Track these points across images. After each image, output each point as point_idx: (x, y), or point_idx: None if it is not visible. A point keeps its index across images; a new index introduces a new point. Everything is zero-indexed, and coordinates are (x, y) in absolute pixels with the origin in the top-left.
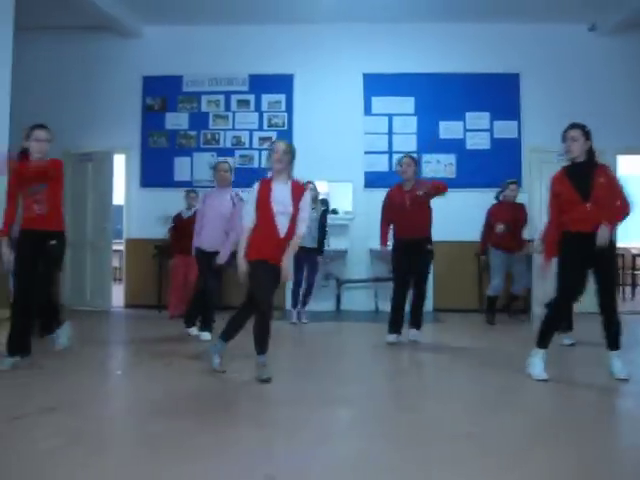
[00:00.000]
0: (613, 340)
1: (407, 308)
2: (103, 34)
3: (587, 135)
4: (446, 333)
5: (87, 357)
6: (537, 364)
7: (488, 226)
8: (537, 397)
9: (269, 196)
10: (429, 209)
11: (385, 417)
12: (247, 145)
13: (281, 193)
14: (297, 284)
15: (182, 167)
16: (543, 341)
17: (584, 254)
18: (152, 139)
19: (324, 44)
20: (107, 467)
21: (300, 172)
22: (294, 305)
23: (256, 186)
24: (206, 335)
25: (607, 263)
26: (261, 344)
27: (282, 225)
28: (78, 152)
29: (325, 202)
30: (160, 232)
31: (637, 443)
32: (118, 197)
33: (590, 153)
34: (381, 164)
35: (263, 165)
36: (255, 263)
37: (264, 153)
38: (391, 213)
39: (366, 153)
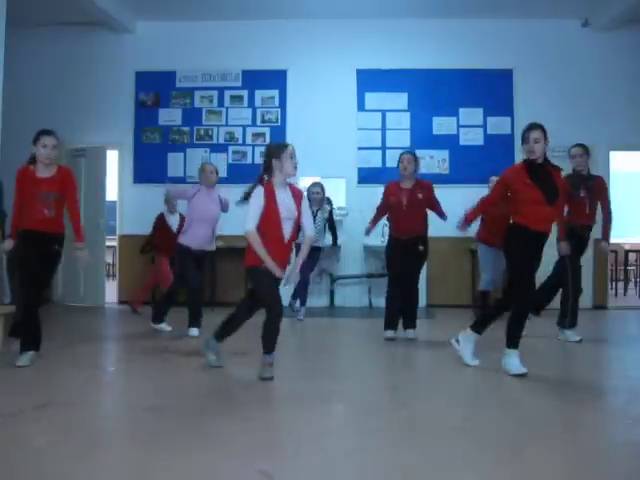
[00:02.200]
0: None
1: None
2: (96, 30)
3: (546, 135)
4: (439, 329)
5: (81, 353)
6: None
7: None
8: (532, 392)
9: (274, 201)
10: (425, 210)
11: (380, 413)
12: (240, 141)
13: (284, 199)
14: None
15: (175, 163)
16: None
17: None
18: (145, 135)
19: (318, 40)
20: (101, 463)
21: None
22: (294, 298)
23: (260, 191)
24: (194, 331)
25: None
26: (271, 343)
27: (287, 230)
28: (71, 148)
29: (329, 201)
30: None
31: (629, 438)
32: (111, 193)
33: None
34: (374, 160)
35: (257, 161)
36: (263, 269)
37: (257, 149)
38: (386, 210)
39: (359, 149)
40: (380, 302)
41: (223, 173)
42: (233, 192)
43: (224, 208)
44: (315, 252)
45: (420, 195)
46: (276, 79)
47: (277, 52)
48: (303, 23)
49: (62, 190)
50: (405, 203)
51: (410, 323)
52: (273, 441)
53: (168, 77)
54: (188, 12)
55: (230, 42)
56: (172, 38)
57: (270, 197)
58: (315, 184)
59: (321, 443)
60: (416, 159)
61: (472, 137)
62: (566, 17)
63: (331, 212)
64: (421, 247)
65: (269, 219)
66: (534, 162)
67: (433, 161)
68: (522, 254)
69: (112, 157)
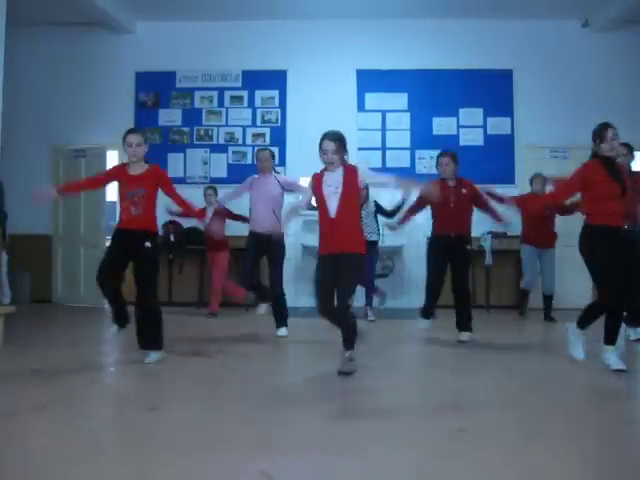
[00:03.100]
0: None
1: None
2: (96, 30)
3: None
4: (439, 329)
5: (81, 354)
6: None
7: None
8: (532, 393)
9: (320, 184)
10: (471, 208)
11: (380, 413)
12: (240, 141)
13: (329, 179)
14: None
15: (175, 163)
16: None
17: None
18: (145, 135)
19: (317, 40)
20: (100, 464)
21: (293, 168)
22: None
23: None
24: (283, 331)
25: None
26: (350, 340)
27: (332, 205)
28: (71, 148)
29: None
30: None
31: (631, 438)
32: (111, 194)
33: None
34: (375, 160)
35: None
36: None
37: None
38: (424, 204)
39: (359, 149)
40: (381, 302)
41: (223, 173)
42: None
43: (287, 187)
44: (371, 247)
45: (464, 190)
46: (276, 79)
47: (277, 52)
48: (303, 23)
49: (152, 187)
50: (453, 200)
51: (464, 326)
52: (273, 441)
53: (168, 77)
54: (188, 12)
55: (230, 42)
56: (172, 38)
57: (317, 181)
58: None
59: (321, 443)
60: (455, 159)
61: (472, 137)
62: (566, 18)
63: (377, 205)
64: (468, 246)
65: (317, 199)
66: (609, 158)
67: (433, 161)
68: (604, 254)
69: (112, 157)
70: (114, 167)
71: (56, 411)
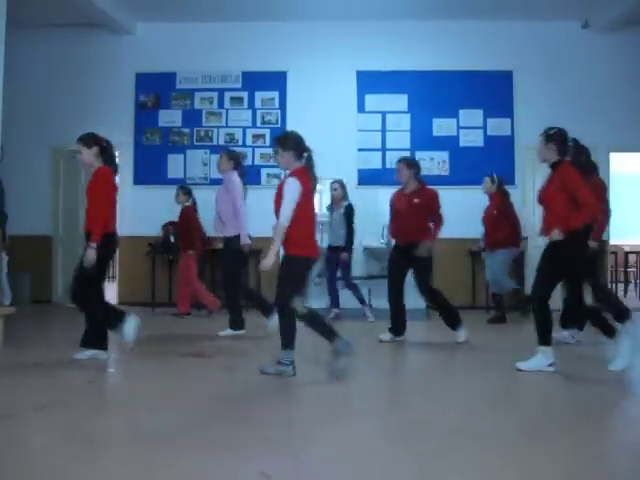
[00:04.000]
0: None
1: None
2: (96, 31)
3: (549, 138)
4: (438, 330)
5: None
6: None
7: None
8: (532, 393)
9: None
10: (425, 215)
11: (379, 414)
12: (240, 142)
13: None
14: (331, 282)
15: (175, 164)
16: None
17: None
18: (145, 136)
19: (317, 41)
20: (100, 464)
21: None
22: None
23: (297, 181)
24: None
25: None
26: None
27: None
28: (70, 149)
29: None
30: (153, 229)
31: (629, 438)
32: None
33: (563, 154)
34: (375, 161)
35: (257, 162)
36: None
37: (257, 150)
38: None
39: (359, 150)
40: (380, 304)
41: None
42: None
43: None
44: (336, 252)
45: (416, 200)
46: (276, 80)
47: (277, 54)
48: (303, 25)
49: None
50: (402, 209)
51: (454, 324)
52: (273, 441)
53: (168, 78)
54: (188, 13)
55: (230, 44)
56: (172, 39)
57: (308, 186)
58: (334, 181)
59: (321, 443)
60: (409, 165)
61: (472, 138)
62: (566, 19)
63: (347, 210)
64: (418, 254)
65: (310, 207)
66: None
67: (433, 162)
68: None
69: None
70: None
71: (56, 411)
